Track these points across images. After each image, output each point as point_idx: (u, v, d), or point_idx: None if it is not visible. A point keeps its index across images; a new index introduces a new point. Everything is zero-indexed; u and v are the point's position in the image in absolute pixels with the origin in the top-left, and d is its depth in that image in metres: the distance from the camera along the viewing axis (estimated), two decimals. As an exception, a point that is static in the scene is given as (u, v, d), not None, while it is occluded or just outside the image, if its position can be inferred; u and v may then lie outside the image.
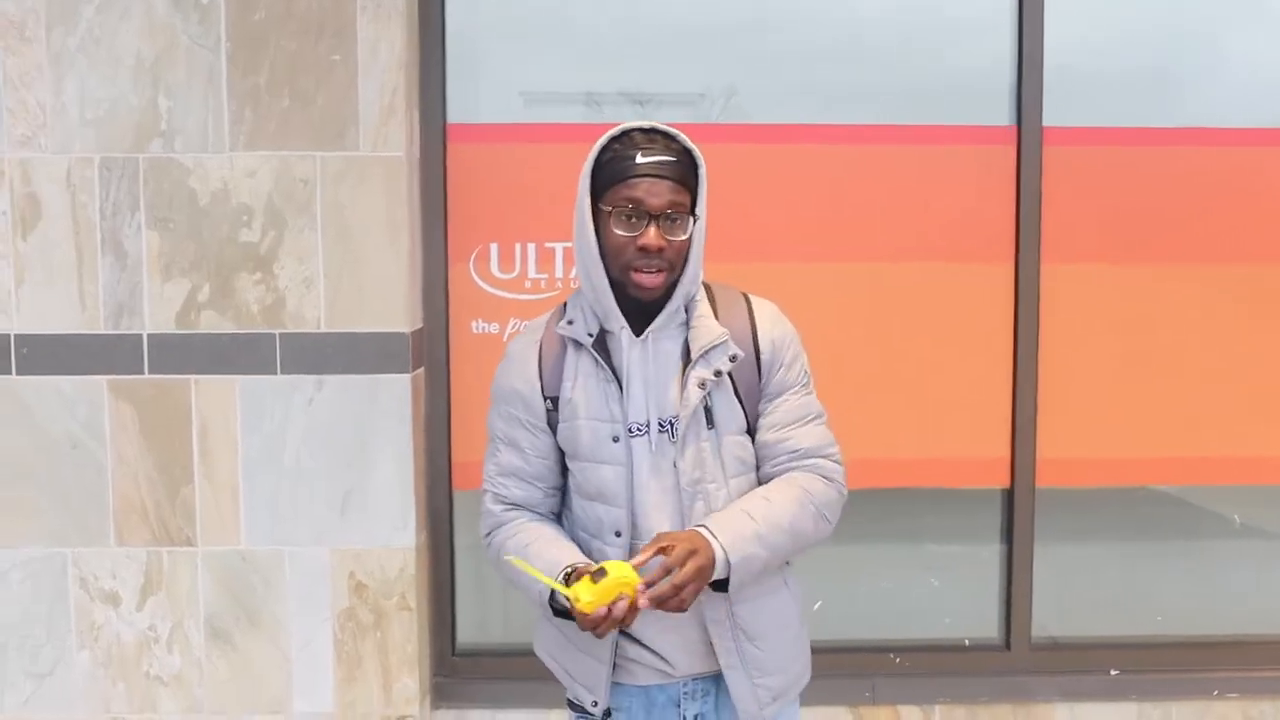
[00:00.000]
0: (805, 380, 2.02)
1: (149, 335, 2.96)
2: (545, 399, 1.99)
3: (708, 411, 1.93)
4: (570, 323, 1.99)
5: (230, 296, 2.96)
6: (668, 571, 1.75)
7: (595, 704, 2.01)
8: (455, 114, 3.15)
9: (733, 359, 1.93)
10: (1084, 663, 3.31)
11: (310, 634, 3.03)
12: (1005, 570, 3.32)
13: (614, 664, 2.00)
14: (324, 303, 2.96)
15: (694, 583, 1.76)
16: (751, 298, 2.05)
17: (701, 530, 1.83)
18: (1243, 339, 3.29)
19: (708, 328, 1.95)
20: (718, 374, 1.92)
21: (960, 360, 3.24)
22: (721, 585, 1.85)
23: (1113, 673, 3.29)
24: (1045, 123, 3.17)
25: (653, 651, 1.98)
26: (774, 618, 2.01)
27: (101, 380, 2.97)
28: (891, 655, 3.29)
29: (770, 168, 3.19)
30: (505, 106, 3.20)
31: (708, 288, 2.02)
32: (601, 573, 1.75)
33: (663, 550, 1.78)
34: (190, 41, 2.90)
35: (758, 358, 1.98)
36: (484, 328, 3.19)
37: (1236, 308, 3.28)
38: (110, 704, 3.04)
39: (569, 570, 1.84)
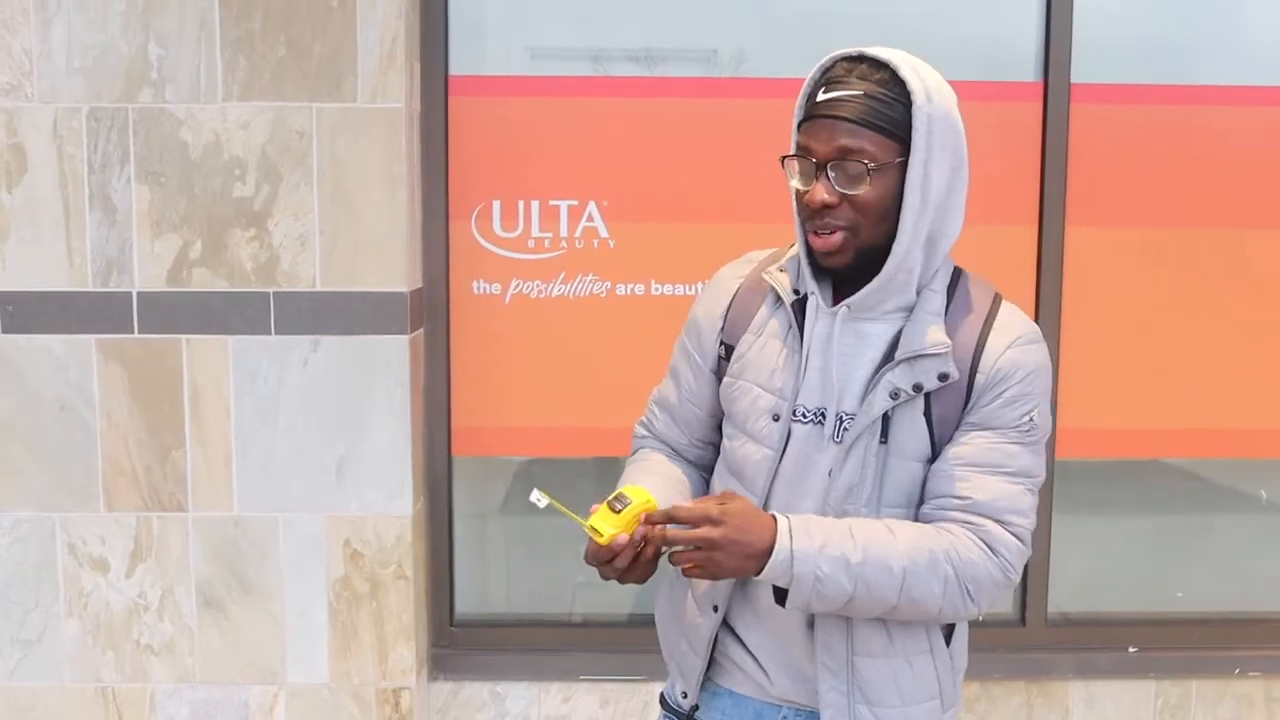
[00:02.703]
0: (1027, 428, 1.60)
1: (139, 294, 2.86)
2: (720, 343, 1.74)
3: (884, 421, 1.60)
4: (782, 270, 1.69)
5: (223, 254, 2.85)
6: (707, 520, 1.49)
7: (685, 695, 1.79)
8: (457, 66, 3.04)
9: (942, 378, 1.58)
10: (1101, 639, 3.22)
11: (304, 603, 2.94)
12: (1022, 544, 3.22)
13: (710, 658, 1.76)
14: (320, 261, 2.85)
15: (724, 551, 1.48)
16: (1004, 307, 1.67)
17: (781, 516, 1.55)
18: (1275, 308, 3.17)
19: (927, 330, 1.59)
20: (917, 388, 1.58)
21: (979, 327, 3.13)
22: (783, 595, 1.58)
23: (1131, 650, 3.20)
24: (1073, 79, 3.04)
25: (754, 658, 1.73)
26: (906, 689, 1.67)
27: (90, 340, 2.87)
28: (903, 630, 3.20)
29: (783, 124, 3.07)
30: (509, 59, 3.08)
31: (959, 277, 1.69)
32: (622, 499, 1.54)
33: (723, 501, 1.53)
34: (181, -14, 2.79)
35: (970, 382, 1.60)
36: (485, 288, 3.09)
37: (1267, 276, 3.16)
38: (100, 672, 2.96)
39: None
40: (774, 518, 1.54)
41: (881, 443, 1.60)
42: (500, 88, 3.03)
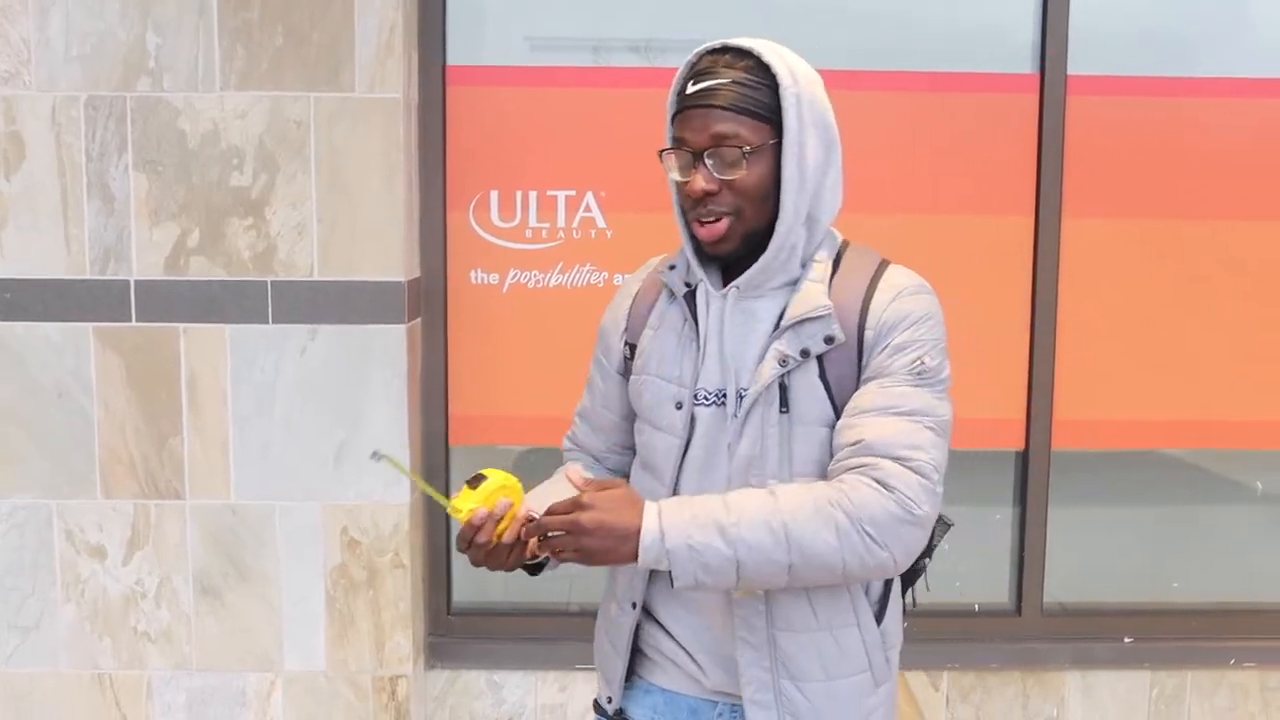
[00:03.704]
0: (918, 370, 1.58)
1: (136, 281, 2.86)
2: (625, 344, 1.78)
3: (783, 391, 1.60)
4: (673, 268, 1.73)
5: (220, 242, 2.86)
6: (577, 506, 1.49)
7: (610, 700, 1.77)
8: (455, 55, 3.04)
9: (828, 340, 1.59)
10: (1097, 630, 3.23)
11: (302, 591, 2.95)
12: (1018, 535, 3.23)
13: (632, 653, 1.75)
14: (317, 250, 2.86)
15: (593, 535, 1.47)
16: (890, 268, 1.68)
17: (648, 501, 1.54)
18: (1272, 299, 3.17)
19: (810, 296, 1.61)
20: (804, 354, 1.59)
21: (975, 318, 3.13)
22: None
23: (1127, 640, 3.20)
24: (1070, 71, 3.04)
25: (686, 651, 1.71)
26: (832, 662, 1.65)
27: (87, 327, 2.87)
28: (899, 620, 3.21)
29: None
30: (507, 49, 3.08)
31: (845, 248, 1.71)
32: (479, 478, 1.56)
33: (602, 489, 1.53)
34: (179, -26, 2.79)
35: (860, 340, 1.61)
36: (483, 278, 3.09)
37: (1264, 267, 3.16)
38: (97, 659, 2.97)
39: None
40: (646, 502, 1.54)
41: (783, 412, 1.60)
42: (498, 78, 3.03)
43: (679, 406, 1.66)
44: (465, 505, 1.54)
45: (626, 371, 1.78)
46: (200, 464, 2.91)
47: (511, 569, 1.60)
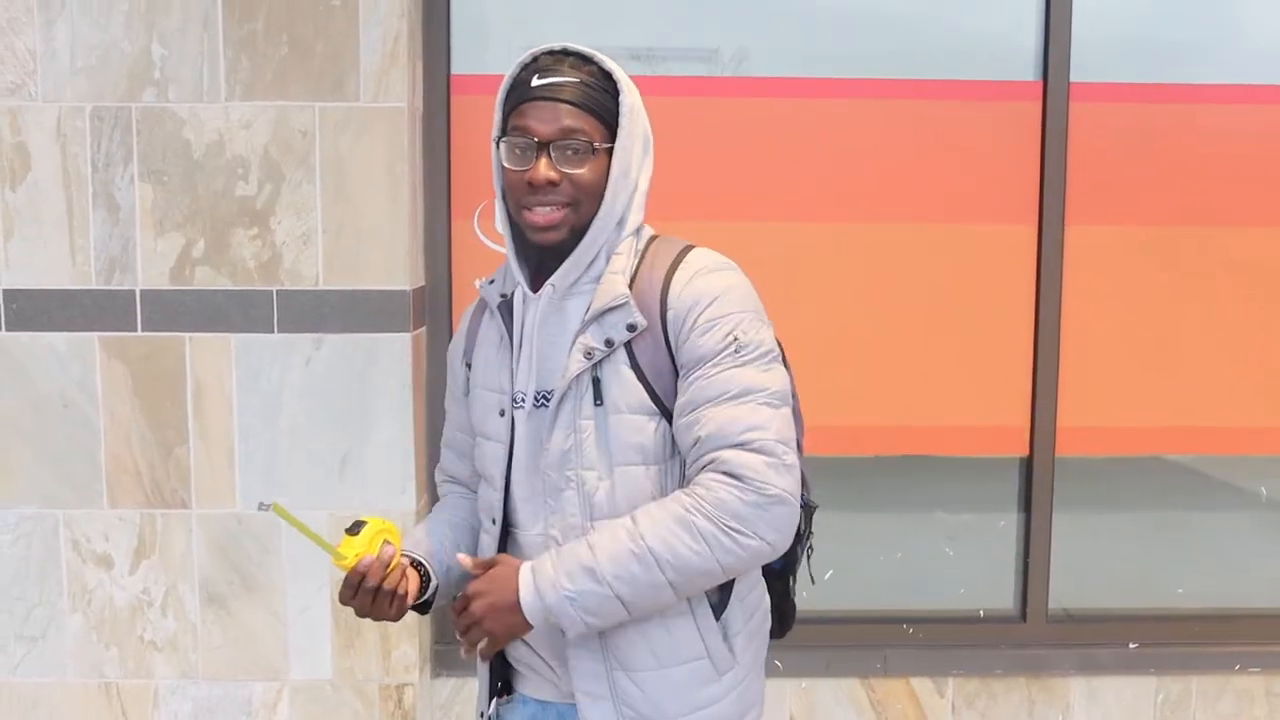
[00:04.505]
0: (734, 348, 1.59)
1: (142, 291, 2.87)
2: (465, 365, 1.82)
3: (596, 384, 1.62)
4: (492, 282, 1.77)
5: (225, 252, 2.86)
6: (465, 601, 1.61)
7: (483, 715, 1.80)
8: (459, 65, 3.05)
9: (631, 328, 1.60)
10: (1102, 636, 3.23)
11: (307, 599, 2.95)
12: (1022, 541, 3.23)
13: (506, 665, 1.79)
14: (322, 259, 2.86)
15: (489, 620, 1.58)
16: (692, 252, 1.68)
17: (524, 565, 1.60)
18: (1275, 305, 3.17)
19: (610, 286, 1.63)
20: (609, 344, 1.61)
21: (979, 325, 3.14)
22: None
23: (1131, 646, 3.20)
24: (1072, 78, 3.05)
25: (541, 657, 1.73)
26: (662, 648, 1.65)
27: (93, 337, 2.88)
28: (904, 626, 3.21)
29: (783, 123, 3.08)
30: (511, 58, 3.05)
31: (652, 241, 1.72)
32: (359, 525, 1.61)
33: (485, 568, 1.63)
34: (184, -15, 2.80)
35: (664, 324, 1.62)
36: (488, 286, 3.09)
37: (1267, 273, 3.17)
38: (103, 668, 2.97)
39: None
40: (513, 566, 1.61)
41: (598, 405, 1.62)
42: (502, 86, 3.03)
43: (501, 414, 1.70)
44: (350, 551, 1.58)
45: (468, 391, 1.81)
46: (206, 473, 2.92)
47: (397, 618, 1.66)
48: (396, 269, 2.87)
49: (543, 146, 1.60)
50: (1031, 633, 3.22)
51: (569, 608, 1.55)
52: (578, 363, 1.61)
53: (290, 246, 2.86)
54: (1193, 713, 3.18)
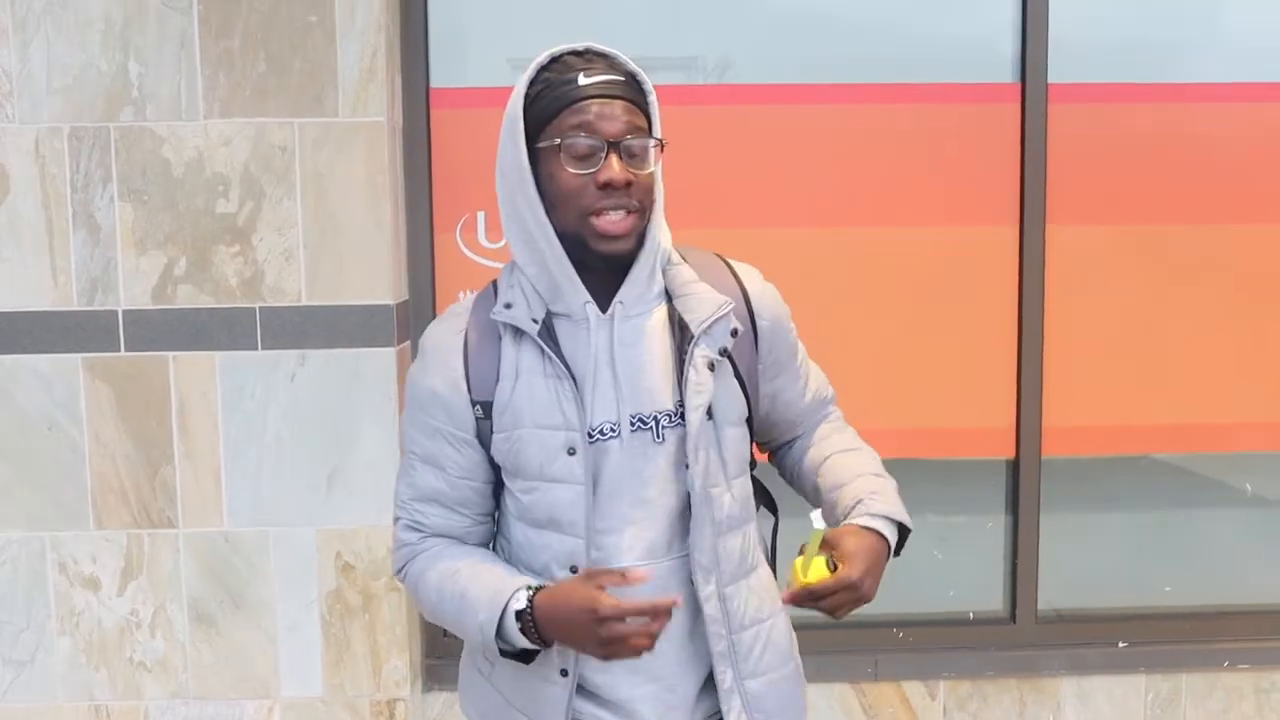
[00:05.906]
0: (795, 335, 1.77)
1: (124, 311, 2.86)
2: (474, 405, 1.57)
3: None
4: (509, 306, 1.56)
5: (207, 270, 2.86)
6: (841, 586, 1.49)
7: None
8: (439, 78, 3.04)
9: (734, 334, 1.57)
10: (1091, 635, 3.24)
11: (296, 616, 2.95)
12: (1010, 542, 3.24)
13: None
14: (305, 275, 2.86)
15: (871, 591, 1.53)
16: (730, 260, 1.70)
17: (859, 521, 1.58)
18: (1258, 302, 3.19)
19: (704, 296, 1.57)
20: (723, 353, 1.56)
21: (963, 327, 3.14)
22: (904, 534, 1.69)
23: (1121, 645, 3.21)
24: (1050, 79, 3.06)
25: (626, 713, 1.61)
26: (776, 646, 1.68)
27: (76, 359, 2.87)
28: (895, 630, 3.21)
29: (764, 130, 3.08)
30: (491, 71, 3.08)
31: (681, 250, 1.67)
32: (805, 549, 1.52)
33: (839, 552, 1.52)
34: (160, 3, 2.78)
35: (754, 331, 1.63)
36: (471, 299, 3.09)
37: (1249, 270, 3.18)
38: (93, 691, 2.96)
39: (536, 588, 1.50)
40: (850, 528, 1.60)
41: (709, 419, 1.57)
42: (482, 99, 3.03)
43: (572, 453, 1.53)
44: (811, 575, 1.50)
45: (484, 435, 1.59)
46: (192, 492, 2.91)
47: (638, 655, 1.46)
48: (379, 284, 2.86)
49: (613, 146, 1.49)
50: (1021, 634, 3.22)
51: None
52: (709, 377, 1.55)
53: (272, 263, 2.85)
54: (1183, 710, 3.19)
